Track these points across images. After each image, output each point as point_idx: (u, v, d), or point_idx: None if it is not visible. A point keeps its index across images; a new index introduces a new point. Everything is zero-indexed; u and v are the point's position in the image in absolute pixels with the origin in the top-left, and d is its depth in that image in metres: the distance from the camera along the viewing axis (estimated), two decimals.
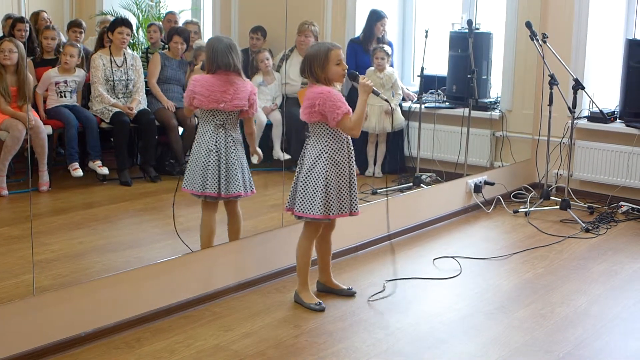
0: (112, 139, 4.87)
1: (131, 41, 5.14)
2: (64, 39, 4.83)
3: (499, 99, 6.31)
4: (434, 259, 4.63)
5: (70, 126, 4.54)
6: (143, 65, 5.19)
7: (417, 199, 5.35)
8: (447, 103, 6.22)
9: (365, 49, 5.93)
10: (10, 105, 4.27)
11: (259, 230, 4.28)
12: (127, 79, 4.98)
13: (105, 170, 4.66)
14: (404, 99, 6.06)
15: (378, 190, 5.44)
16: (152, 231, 4.51)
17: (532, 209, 5.68)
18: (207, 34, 5.65)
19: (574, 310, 3.87)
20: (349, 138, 3.77)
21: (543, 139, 5.89)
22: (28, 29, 4.44)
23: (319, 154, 3.69)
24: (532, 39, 5.57)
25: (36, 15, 4.71)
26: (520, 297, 4.05)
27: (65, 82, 4.65)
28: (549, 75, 5.55)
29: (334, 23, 5.95)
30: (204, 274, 3.90)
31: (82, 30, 4.93)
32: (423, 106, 5.95)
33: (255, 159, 4.17)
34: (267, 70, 5.45)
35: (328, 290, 4.02)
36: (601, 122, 5.86)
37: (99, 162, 4.64)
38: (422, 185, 5.61)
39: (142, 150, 5.06)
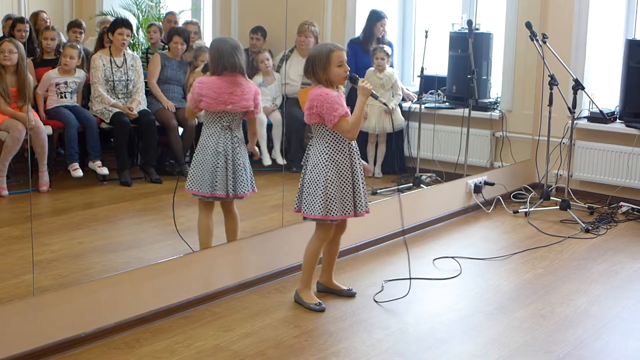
0: (112, 140, 4.87)
1: (131, 41, 5.14)
2: (64, 39, 4.83)
3: (499, 99, 6.32)
4: (434, 259, 4.63)
5: (70, 126, 4.55)
6: (143, 65, 5.19)
7: (417, 199, 5.35)
8: (447, 103, 6.22)
9: (365, 49, 5.93)
10: (10, 106, 4.28)
11: (259, 230, 4.28)
12: (127, 80, 4.98)
13: (105, 171, 4.67)
14: (404, 99, 6.06)
15: (378, 191, 5.44)
16: (152, 231, 4.51)
17: (532, 209, 5.68)
18: (207, 34, 5.65)
19: (574, 310, 3.87)
20: None
21: (543, 139, 5.89)
22: (28, 29, 4.44)
23: (320, 155, 3.70)
24: (532, 39, 5.57)
25: (35, 16, 4.71)
26: (520, 297, 4.05)
27: (66, 83, 4.66)
28: (549, 76, 5.55)
29: (334, 23, 5.95)
30: (204, 274, 3.90)
31: (82, 31, 4.93)
32: (423, 106, 5.95)
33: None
34: (267, 70, 5.45)
35: (328, 290, 4.02)
36: (601, 123, 5.86)
37: (99, 163, 4.64)
38: (422, 185, 5.61)
39: (142, 150, 5.06)
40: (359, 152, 3.81)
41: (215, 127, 3.90)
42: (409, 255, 4.11)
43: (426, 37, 5.75)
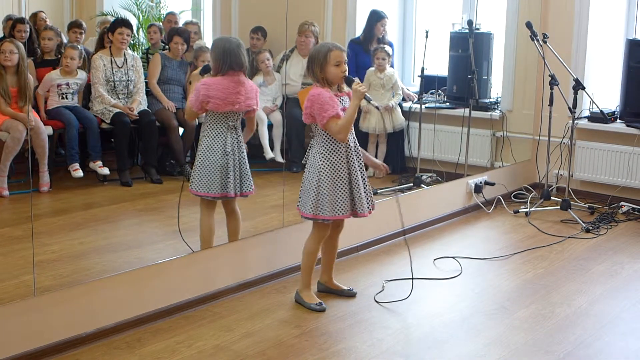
0: (112, 140, 4.87)
1: (131, 42, 5.14)
2: (64, 39, 4.83)
3: (499, 99, 6.31)
4: (435, 259, 4.63)
5: (71, 127, 4.55)
6: (143, 65, 5.19)
7: (417, 199, 5.35)
8: (447, 103, 6.22)
9: (366, 49, 5.93)
10: (11, 106, 4.27)
11: (259, 230, 4.28)
12: (128, 80, 4.98)
13: (105, 171, 4.67)
14: (404, 99, 6.06)
15: (379, 191, 5.44)
16: (153, 232, 4.51)
17: (532, 209, 5.68)
18: (207, 34, 5.65)
19: (574, 310, 3.87)
20: (354, 137, 3.77)
21: (543, 139, 5.89)
22: (28, 29, 4.44)
23: (316, 154, 3.71)
24: (533, 39, 5.57)
25: (35, 16, 4.72)
26: (521, 297, 4.06)
27: (67, 84, 4.66)
28: (549, 76, 5.55)
29: (335, 23, 5.95)
30: (205, 275, 3.90)
31: (83, 31, 4.93)
32: (423, 106, 5.95)
33: None
34: (268, 70, 5.45)
35: (329, 290, 4.02)
36: (601, 122, 5.86)
37: (99, 163, 4.64)
38: (422, 185, 5.61)
39: (143, 151, 5.06)
40: (359, 154, 3.80)
41: (221, 127, 3.88)
42: (410, 257, 4.11)
43: (426, 37, 5.75)
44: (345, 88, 3.76)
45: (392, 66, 5.93)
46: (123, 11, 5.29)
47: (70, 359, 3.24)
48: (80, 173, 4.52)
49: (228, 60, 3.82)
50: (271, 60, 5.49)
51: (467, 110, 5.80)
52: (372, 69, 5.83)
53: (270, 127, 5.40)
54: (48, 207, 4.46)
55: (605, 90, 6.13)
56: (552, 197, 5.79)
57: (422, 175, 5.75)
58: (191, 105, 3.87)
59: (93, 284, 3.45)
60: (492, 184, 5.88)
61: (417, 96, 6.04)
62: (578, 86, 5.44)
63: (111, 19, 5.15)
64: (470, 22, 5.73)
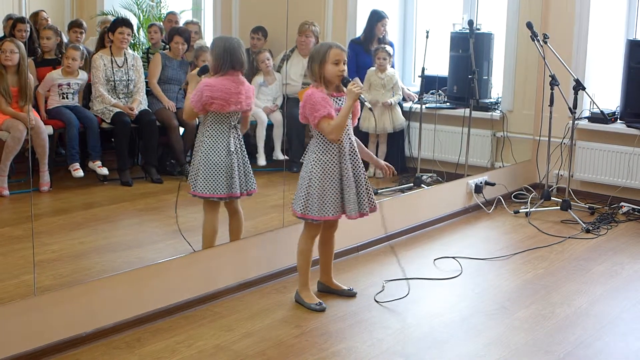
0: (112, 139, 4.87)
1: (132, 41, 5.14)
2: (65, 39, 4.83)
3: (499, 99, 6.31)
4: (435, 259, 4.63)
5: (71, 126, 4.55)
6: (144, 65, 5.19)
7: (417, 200, 5.35)
8: (447, 103, 6.22)
9: (366, 50, 5.93)
10: (11, 106, 4.27)
11: (260, 230, 4.28)
12: (128, 79, 4.98)
13: (105, 171, 4.66)
14: (404, 99, 6.06)
15: (379, 191, 5.44)
16: (153, 231, 4.51)
17: (532, 209, 5.68)
18: (207, 34, 5.65)
19: (574, 310, 3.87)
20: (350, 139, 3.76)
21: (544, 139, 5.89)
22: (29, 29, 4.44)
23: (310, 154, 3.73)
24: (533, 40, 5.57)
25: (35, 15, 4.72)
26: (521, 297, 4.05)
27: (69, 84, 4.66)
28: (549, 76, 5.55)
29: (335, 23, 5.95)
30: (205, 274, 3.90)
31: (83, 31, 4.93)
32: (424, 106, 5.95)
33: None
34: (268, 70, 5.45)
35: (329, 290, 4.02)
36: (602, 123, 5.86)
37: (98, 163, 4.64)
38: (422, 185, 5.61)
39: (143, 150, 5.06)
40: (355, 155, 3.78)
41: (223, 127, 3.87)
42: (399, 260, 4.11)
43: (427, 37, 5.75)
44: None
45: (392, 66, 5.93)
46: (123, 11, 5.29)
47: (70, 358, 3.24)
48: (80, 173, 4.52)
49: (229, 59, 3.81)
50: (271, 60, 5.49)
51: (467, 110, 5.80)
52: (372, 69, 5.83)
53: (270, 127, 5.40)
54: (48, 206, 4.46)
55: (605, 91, 6.13)
56: (552, 198, 5.79)
57: (422, 176, 5.75)
58: (192, 105, 3.82)
59: (93, 284, 3.45)
60: (493, 184, 5.88)
61: (417, 96, 6.04)
62: (578, 86, 5.44)
63: (112, 18, 5.15)
64: (470, 23, 5.73)
